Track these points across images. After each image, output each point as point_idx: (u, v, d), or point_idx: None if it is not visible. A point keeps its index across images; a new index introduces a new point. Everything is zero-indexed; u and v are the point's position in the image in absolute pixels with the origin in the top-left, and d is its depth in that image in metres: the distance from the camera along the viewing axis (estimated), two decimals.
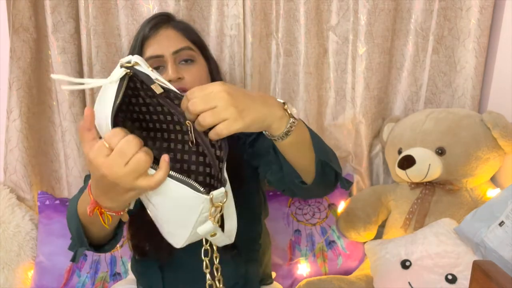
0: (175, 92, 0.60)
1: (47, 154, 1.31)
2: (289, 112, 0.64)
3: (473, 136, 1.17)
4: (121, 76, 0.57)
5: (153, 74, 0.59)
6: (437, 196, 1.20)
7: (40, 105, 1.27)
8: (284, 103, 0.65)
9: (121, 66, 0.58)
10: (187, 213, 0.60)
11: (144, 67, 0.59)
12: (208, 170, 0.63)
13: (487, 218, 1.00)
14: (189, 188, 0.57)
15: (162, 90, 0.59)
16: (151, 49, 0.92)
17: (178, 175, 0.58)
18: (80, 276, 1.18)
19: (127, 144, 0.53)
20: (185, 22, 1.03)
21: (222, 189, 0.58)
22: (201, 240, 0.65)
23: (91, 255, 1.19)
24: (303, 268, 1.28)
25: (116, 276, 1.21)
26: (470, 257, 1.03)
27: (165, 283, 0.94)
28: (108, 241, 0.80)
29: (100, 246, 0.80)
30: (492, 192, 1.20)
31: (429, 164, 1.16)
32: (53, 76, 0.62)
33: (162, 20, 0.96)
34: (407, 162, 1.17)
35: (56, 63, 1.21)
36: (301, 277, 1.25)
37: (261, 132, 0.70)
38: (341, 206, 1.36)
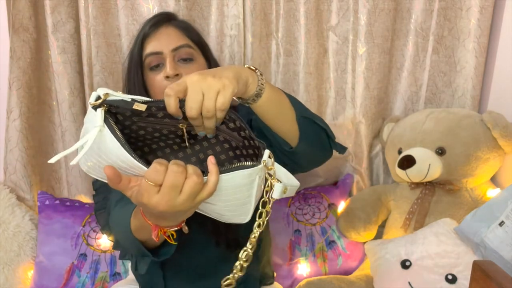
0: (156, 104, 0.58)
1: (47, 154, 1.31)
2: (254, 68, 0.66)
3: (473, 136, 1.17)
4: (103, 117, 0.55)
5: (127, 96, 0.58)
6: (437, 196, 1.20)
7: (40, 105, 1.27)
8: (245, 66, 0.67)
9: (94, 107, 0.56)
10: (246, 192, 0.59)
11: (115, 94, 0.58)
12: (238, 152, 0.64)
13: (487, 218, 1.00)
14: (242, 170, 0.57)
15: (145, 106, 0.58)
16: (151, 46, 0.92)
17: (224, 168, 0.57)
18: (80, 276, 1.18)
19: (174, 176, 0.51)
20: (186, 22, 1.03)
21: (266, 151, 0.59)
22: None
23: (91, 255, 1.19)
24: (303, 268, 1.28)
25: (116, 276, 1.21)
26: (470, 257, 1.03)
27: (167, 282, 0.94)
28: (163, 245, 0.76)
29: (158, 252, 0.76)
30: (492, 192, 1.20)
31: (429, 164, 1.16)
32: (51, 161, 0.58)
33: (163, 19, 0.96)
34: (407, 162, 1.17)
35: (56, 63, 1.21)
36: (301, 277, 1.25)
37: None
38: (341, 206, 1.36)
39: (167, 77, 0.88)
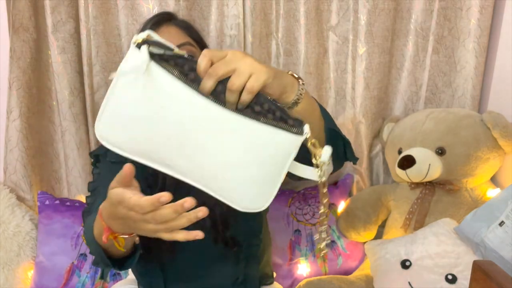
0: (190, 62, 0.56)
1: (47, 154, 1.31)
2: (297, 76, 0.65)
3: (473, 136, 1.17)
4: (148, 53, 0.53)
5: (165, 41, 0.57)
6: (437, 196, 1.20)
7: (40, 105, 1.27)
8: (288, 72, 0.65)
9: (138, 45, 0.54)
10: (281, 161, 0.57)
11: (155, 36, 0.56)
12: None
13: (487, 218, 1.00)
14: (287, 132, 0.55)
15: (185, 52, 0.57)
16: None
17: (267, 119, 0.55)
18: (80, 276, 1.18)
19: (165, 216, 0.52)
20: (186, 21, 1.04)
21: (306, 126, 0.57)
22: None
23: (90, 255, 1.19)
24: (303, 268, 1.28)
25: (116, 276, 1.21)
26: (470, 257, 1.03)
27: (167, 282, 0.94)
28: (128, 257, 0.77)
29: (122, 263, 0.77)
30: (492, 192, 1.20)
31: (429, 164, 1.16)
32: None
33: (164, 18, 0.97)
34: (407, 162, 1.17)
35: (56, 63, 1.21)
36: (301, 277, 1.25)
37: None
38: (341, 206, 1.36)
39: None
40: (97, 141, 1.27)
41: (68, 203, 1.24)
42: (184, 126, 0.56)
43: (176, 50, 0.56)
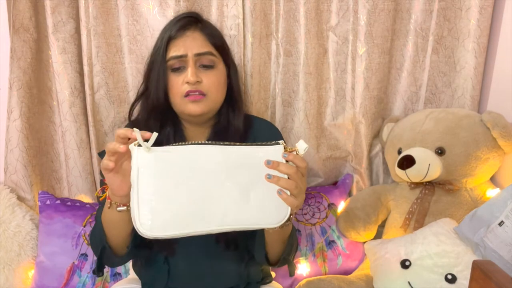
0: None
1: (48, 154, 1.31)
2: (292, 216, 0.78)
3: (472, 136, 1.17)
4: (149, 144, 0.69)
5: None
6: (436, 196, 1.20)
7: (40, 105, 1.27)
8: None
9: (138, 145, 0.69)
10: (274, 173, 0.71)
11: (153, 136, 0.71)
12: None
13: (487, 218, 1.00)
14: (267, 146, 0.73)
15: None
16: (175, 49, 0.94)
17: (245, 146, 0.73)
18: (80, 276, 1.18)
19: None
20: (212, 25, 1.04)
21: (281, 141, 0.75)
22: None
23: (91, 255, 1.20)
24: (303, 268, 1.28)
25: (116, 276, 1.21)
26: (470, 257, 1.03)
27: (170, 275, 0.94)
28: (122, 256, 0.89)
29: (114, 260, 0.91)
30: (492, 192, 1.20)
31: (429, 164, 1.16)
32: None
33: (189, 22, 0.97)
34: (406, 162, 1.17)
35: (57, 63, 1.21)
36: (301, 277, 1.25)
37: None
38: (341, 206, 1.36)
39: (187, 82, 0.92)
40: (98, 142, 1.27)
41: (69, 203, 1.24)
42: (201, 178, 0.70)
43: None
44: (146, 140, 0.68)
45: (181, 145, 0.71)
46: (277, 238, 0.86)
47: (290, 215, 0.74)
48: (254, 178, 0.71)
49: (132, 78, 1.28)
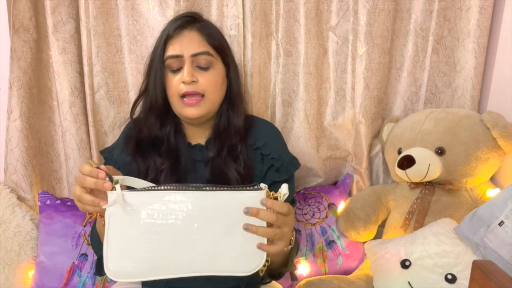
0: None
1: (48, 154, 1.31)
2: (292, 238, 0.80)
3: (472, 136, 1.17)
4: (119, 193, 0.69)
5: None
6: (436, 196, 1.20)
7: (40, 105, 1.27)
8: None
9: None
10: (255, 222, 0.70)
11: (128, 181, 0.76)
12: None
13: (487, 218, 1.00)
14: (247, 191, 0.70)
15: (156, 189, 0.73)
16: (172, 49, 0.94)
17: (224, 188, 0.71)
18: (80, 276, 1.18)
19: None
20: (211, 25, 1.05)
21: (261, 184, 0.71)
22: None
23: (91, 255, 1.20)
24: (303, 268, 1.28)
25: None
26: (470, 257, 1.03)
27: (168, 280, 0.94)
28: None
29: None
30: (492, 192, 1.20)
31: (429, 164, 1.16)
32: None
33: (187, 21, 0.98)
34: (406, 162, 1.17)
35: (57, 63, 1.21)
36: (301, 277, 1.25)
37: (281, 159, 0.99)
38: (341, 206, 1.36)
39: (183, 82, 0.92)
40: (98, 142, 1.27)
41: (69, 203, 1.25)
42: (170, 227, 0.69)
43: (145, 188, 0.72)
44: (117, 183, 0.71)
45: (153, 190, 0.70)
46: (277, 258, 0.88)
47: (267, 260, 0.74)
48: (231, 224, 0.69)
49: (132, 78, 1.28)
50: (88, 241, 1.21)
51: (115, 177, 0.72)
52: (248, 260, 0.70)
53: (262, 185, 0.71)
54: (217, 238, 0.69)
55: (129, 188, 0.74)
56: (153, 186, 0.72)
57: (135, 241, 0.69)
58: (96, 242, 0.89)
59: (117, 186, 0.69)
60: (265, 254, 0.70)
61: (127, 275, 0.69)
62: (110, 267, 0.69)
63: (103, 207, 0.69)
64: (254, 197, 0.69)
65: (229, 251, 0.69)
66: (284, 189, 0.71)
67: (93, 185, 0.70)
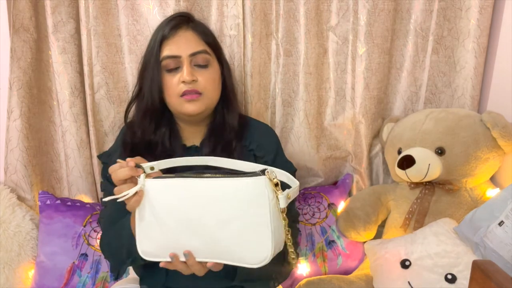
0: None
1: (48, 154, 1.31)
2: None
3: (472, 136, 1.17)
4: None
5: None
6: (436, 196, 1.21)
7: (40, 105, 1.27)
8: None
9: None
10: (257, 208, 0.65)
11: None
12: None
13: (487, 218, 1.00)
14: (246, 178, 0.65)
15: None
16: (169, 49, 0.94)
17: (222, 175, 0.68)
18: (80, 276, 1.18)
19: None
20: (203, 24, 1.05)
21: (265, 170, 0.65)
22: None
23: (91, 255, 1.20)
24: (303, 268, 1.28)
25: None
26: (470, 257, 1.03)
27: (168, 275, 0.95)
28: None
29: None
30: (492, 192, 1.20)
31: (429, 164, 1.16)
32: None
33: (181, 21, 0.98)
34: (406, 162, 1.17)
35: (57, 63, 1.21)
36: (301, 277, 1.25)
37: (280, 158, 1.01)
38: (341, 206, 1.36)
39: (183, 82, 0.92)
40: (98, 142, 1.27)
41: (69, 203, 1.25)
42: (171, 210, 0.71)
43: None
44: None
45: (161, 178, 0.73)
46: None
47: (296, 253, 0.74)
48: (230, 212, 0.67)
49: (132, 78, 1.28)
50: (88, 241, 1.21)
51: (149, 164, 0.76)
52: (251, 251, 0.67)
53: (268, 169, 0.66)
54: (216, 225, 0.68)
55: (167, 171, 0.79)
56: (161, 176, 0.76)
57: (152, 224, 0.73)
58: (127, 243, 0.85)
59: (142, 175, 0.73)
60: (272, 247, 0.65)
61: (152, 254, 0.75)
62: (142, 247, 0.75)
63: (131, 191, 0.72)
64: (251, 183, 0.65)
65: (229, 240, 0.68)
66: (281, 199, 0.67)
67: (127, 173, 0.73)
